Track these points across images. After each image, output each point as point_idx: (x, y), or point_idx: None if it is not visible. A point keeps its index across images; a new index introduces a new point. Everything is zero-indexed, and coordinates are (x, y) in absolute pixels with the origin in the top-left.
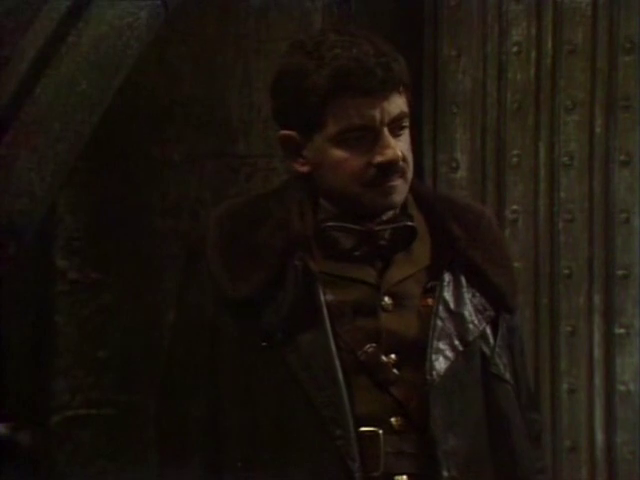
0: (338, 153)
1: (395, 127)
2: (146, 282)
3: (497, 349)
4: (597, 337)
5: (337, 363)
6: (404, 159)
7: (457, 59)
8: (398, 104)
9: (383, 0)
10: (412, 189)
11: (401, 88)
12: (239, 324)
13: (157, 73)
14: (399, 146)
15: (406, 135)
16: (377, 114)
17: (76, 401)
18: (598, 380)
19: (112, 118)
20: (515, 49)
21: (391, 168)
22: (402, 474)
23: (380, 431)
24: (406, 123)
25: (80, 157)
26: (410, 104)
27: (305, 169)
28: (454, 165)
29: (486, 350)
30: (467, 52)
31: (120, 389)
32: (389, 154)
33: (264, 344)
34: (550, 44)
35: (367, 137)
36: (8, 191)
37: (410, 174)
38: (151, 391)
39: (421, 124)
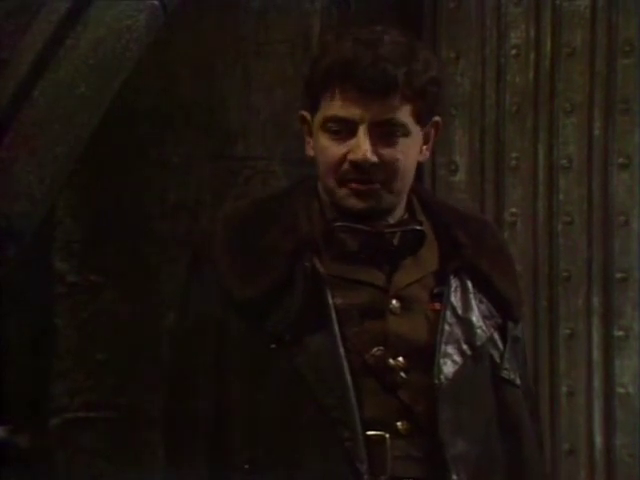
0: (322, 139)
1: (384, 132)
2: (145, 284)
3: (507, 354)
4: (596, 340)
5: (345, 365)
6: (387, 164)
7: (456, 61)
8: (392, 110)
9: (382, 2)
10: (419, 196)
11: (398, 96)
12: (247, 325)
13: (156, 75)
14: (382, 152)
15: (401, 144)
16: (359, 111)
17: (75, 404)
18: (597, 383)
19: (111, 121)
20: (514, 52)
21: (361, 169)
22: (409, 478)
23: (387, 435)
24: (400, 131)
25: (79, 160)
26: (418, 115)
27: (312, 152)
28: (453, 168)
29: (495, 355)
30: (466, 54)
31: (119, 392)
32: (358, 154)
33: (273, 346)
34: (549, 47)
35: (346, 131)
36: (7, 194)
37: (398, 185)
38: (150, 394)
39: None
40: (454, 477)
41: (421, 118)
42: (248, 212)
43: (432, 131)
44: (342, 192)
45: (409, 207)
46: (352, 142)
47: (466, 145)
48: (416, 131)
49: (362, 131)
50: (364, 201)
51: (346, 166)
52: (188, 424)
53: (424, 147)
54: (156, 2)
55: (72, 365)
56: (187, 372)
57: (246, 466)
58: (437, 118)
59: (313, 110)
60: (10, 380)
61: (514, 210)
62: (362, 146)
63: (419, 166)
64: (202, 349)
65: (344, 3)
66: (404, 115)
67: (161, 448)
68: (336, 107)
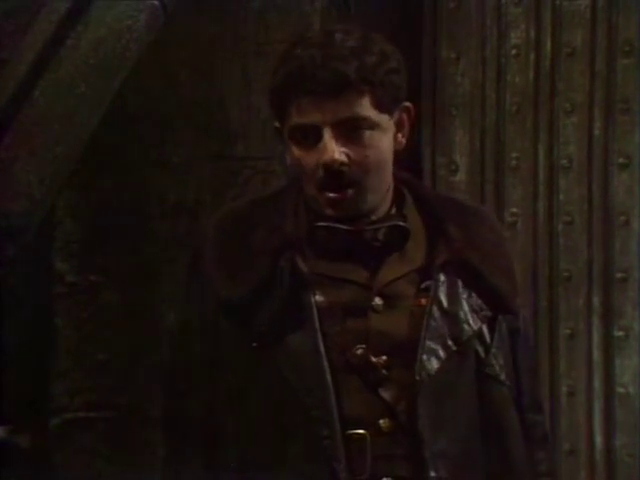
0: (294, 149)
1: (348, 129)
2: (145, 284)
3: (493, 350)
4: (596, 339)
5: (325, 364)
6: (358, 160)
7: (456, 61)
8: (350, 106)
9: (382, 2)
10: (411, 189)
11: (354, 91)
12: (233, 325)
13: (156, 75)
14: (350, 149)
15: (371, 137)
16: (318, 115)
17: (75, 403)
18: (597, 383)
19: (111, 121)
20: (514, 52)
21: (332, 170)
22: (390, 477)
23: (367, 434)
24: (363, 126)
25: (79, 160)
26: (380, 105)
27: (291, 162)
28: (453, 168)
29: (481, 351)
30: (466, 54)
31: (119, 391)
32: (327, 157)
33: (254, 345)
34: (549, 47)
35: (312, 137)
36: (7, 193)
37: (372, 182)
38: (150, 394)
39: (420, 126)
40: (432, 474)
41: (385, 107)
42: (241, 213)
43: (404, 117)
44: (321, 201)
45: (398, 201)
46: (319, 146)
47: (466, 145)
48: (383, 121)
49: (326, 133)
50: (341, 210)
51: (320, 172)
52: (184, 423)
53: (399, 135)
54: (156, 2)
55: (72, 365)
56: (183, 372)
57: (233, 464)
58: (407, 103)
59: (281, 121)
60: (10, 380)
61: (514, 210)
62: (329, 148)
63: (419, 166)
64: (197, 349)
65: (344, 4)
66: (365, 109)
67: (162, 447)
68: (296, 116)
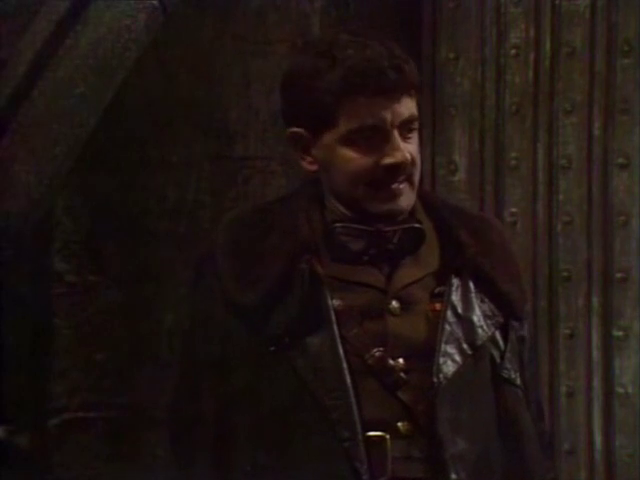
0: (347, 153)
1: (405, 129)
2: (144, 284)
3: (508, 354)
4: (595, 340)
5: (345, 366)
6: (413, 162)
7: (455, 61)
8: (409, 107)
9: (381, 2)
10: (421, 197)
11: (412, 91)
12: (248, 328)
13: (155, 75)
14: (408, 149)
15: (415, 138)
16: (388, 115)
17: (74, 404)
18: (597, 383)
19: (110, 120)
20: (513, 52)
21: (399, 171)
22: (410, 479)
23: (387, 436)
24: (415, 126)
25: (78, 159)
26: (419, 107)
27: (313, 167)
28: (452, 167)
29: (496, 355)
30: (465, 54)
31: (118, 392)
32: (398, 156)
33: (272, 348)
34: (548, 46)
35: (376, 138)
36: (5, 193)
37: (417, 178)
38: (150, 393)
39: (419, 126)
40: (453, 476)
41: (418, 109)
42: (250, 218)
43: None
44: (374, 198)
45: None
46: (385, 147)
47: (466, 145)
48: (418, 123)
49: (395, 133)
50: (395, 203)
51: (380, 172)
52: (193, 426)
53: None
54: (155, 2)
55: (71, 365)
56: (193, 375)
57: (248, 467)
58: None
59: (326, 127)
60: (10, 380)
61: (514, 210)
62: (400, 149)
63: None
64: (207, 350)
65: (343, 3)
66: (415, 109)
67: (166, 448)
68: (363, 117)
